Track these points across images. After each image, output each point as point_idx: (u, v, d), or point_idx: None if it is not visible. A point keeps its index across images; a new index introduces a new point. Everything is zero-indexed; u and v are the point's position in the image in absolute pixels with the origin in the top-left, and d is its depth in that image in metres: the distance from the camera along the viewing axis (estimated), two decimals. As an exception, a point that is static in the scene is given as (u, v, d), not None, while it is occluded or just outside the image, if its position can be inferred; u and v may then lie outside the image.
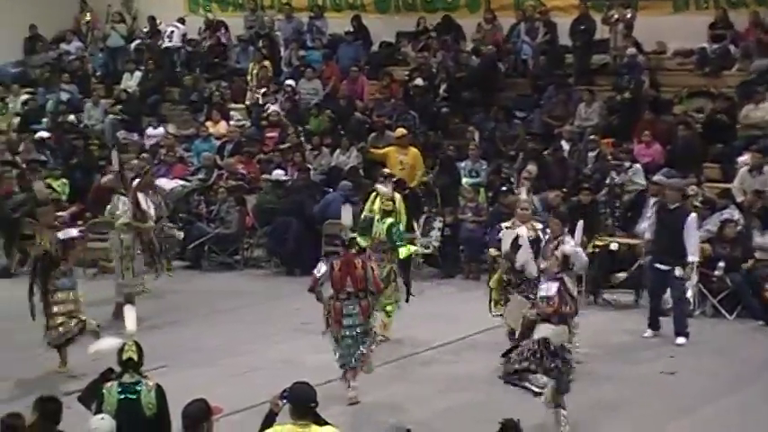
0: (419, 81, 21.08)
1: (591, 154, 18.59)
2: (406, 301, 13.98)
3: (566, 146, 18.96)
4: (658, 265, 14.09)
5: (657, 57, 20.83)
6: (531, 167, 17.93)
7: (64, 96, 23.79)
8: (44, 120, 22.92)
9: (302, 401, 7.10)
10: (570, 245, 10.67)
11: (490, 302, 13.05)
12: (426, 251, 17.73)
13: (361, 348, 11.64)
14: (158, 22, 24.93)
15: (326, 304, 11.69)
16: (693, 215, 14.08)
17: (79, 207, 17.53)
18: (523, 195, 13.72)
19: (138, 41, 25.02)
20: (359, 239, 12.64)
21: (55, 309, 12.51)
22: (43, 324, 12.59)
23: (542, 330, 10.37)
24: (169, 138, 21.04)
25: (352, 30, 23.31)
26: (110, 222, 15.20)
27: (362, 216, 14.18)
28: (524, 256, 12.38)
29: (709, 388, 12.20)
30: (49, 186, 18.06)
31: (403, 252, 14.09)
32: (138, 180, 15.41)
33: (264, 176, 19.36)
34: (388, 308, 13.76)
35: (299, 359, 12.61)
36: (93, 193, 18.44)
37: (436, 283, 17.38)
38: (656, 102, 19.51)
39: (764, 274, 15.15)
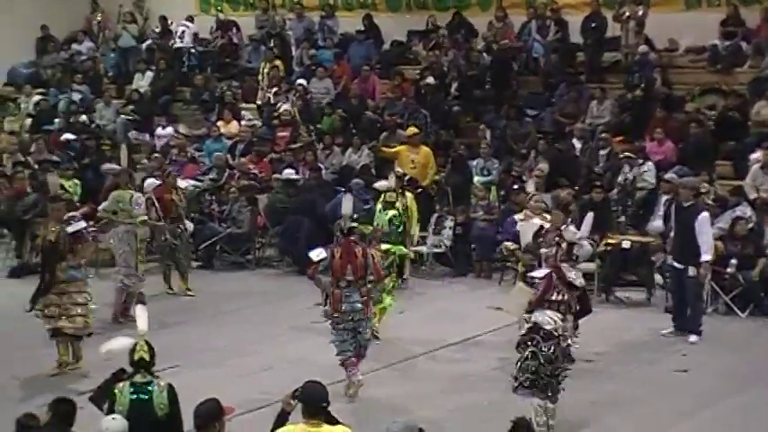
0: (430, 80, 21.06)
1: (602, 152, 18.56)
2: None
3: (577, 144, 18.95)
4: (675, 264, 14.08)
5: (669, 54, 20.78)
6: (543, 165, 17.96)
7: (76, 97, 23.82)
8: (56, 120, 22.94)
9: (314, 401, 7.09)
10: (571, 232, 10.64)
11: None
12: (437, 250, 17.76)
13: (360, 339, 11.63)
14: (170, 22, 24.95)
15: (326, 290, 11.72)
16: (705, 213, 13.97)
17: (91, 207, 17.53)
18: (531, 188, 13.71)
19: (149, 41, 25.04)
20: (360, 227, 12.59)
21: (55, 299, 12.53)
22: (36, 314, 12.63)
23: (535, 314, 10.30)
24: (179, 138, 21.05)
25: (363, 29, 23.32)
26: (111, 219, 15.31)
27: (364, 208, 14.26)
28: None
29: (721, 386, 12.16)
30: (61, 187, 18.09)
31: (401, 251, 14.17)
32: (158, 182, 15.63)
33: (276, 176, 19.37)
34: (387, 300, 13.79)
35: (310, 358, 12.58)
36: (104, 193, 18.42)
37: (448, 281, 17.37)
38: (667, 99, 19.47)
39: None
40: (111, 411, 7.80)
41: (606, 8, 20.98)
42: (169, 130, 21.91)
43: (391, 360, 13.00)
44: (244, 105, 22.75)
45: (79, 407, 8.08)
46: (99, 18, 26.08)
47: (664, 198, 16.01)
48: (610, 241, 16.04)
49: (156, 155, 20.26)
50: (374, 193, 16.34)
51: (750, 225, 15.63)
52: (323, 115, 21.42)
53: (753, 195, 16.59)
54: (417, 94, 21.14)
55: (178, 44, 24.52)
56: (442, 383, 12.28)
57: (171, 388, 8.04)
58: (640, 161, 17.55)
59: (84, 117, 22.98)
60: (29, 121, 23.51)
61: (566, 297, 10.32)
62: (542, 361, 10.13)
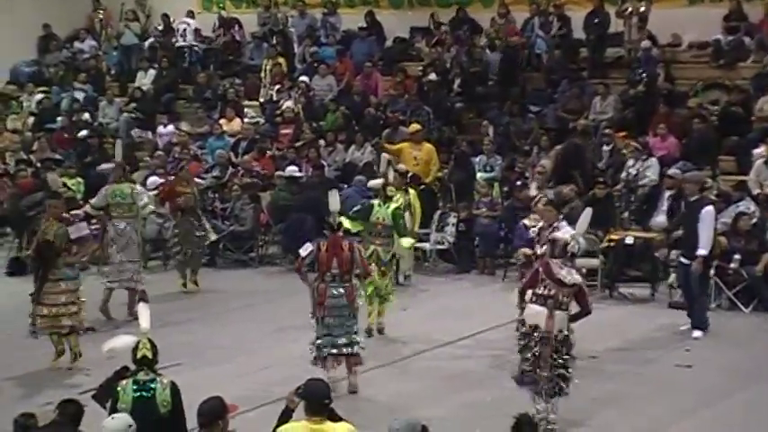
0: (433, 76, 21.05)
1: (605, 148, 18.53)
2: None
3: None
4: (682, 259, 14.05)
5: (672, 49, 20.77)
6: (545, 162, 17.93)
7: (78, 95, 23.86)
8: (59, 118, 22.97)
9: (317, 398, 7.09)
10: (563, 231, 10.63)
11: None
12: (440, 247, 17.76)
13: (345, 339, 11.57)
14: (172, 19, 24.95)
15: (311, 286, 11.71)
16: (709, 208, 13.82)
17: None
18: (533, 191, 13.67)
19: (151, 39, 25.05)
20: (347, 224, 12.56)
21: (47, 298, 12.52)
22: (29, 312, 12.63)
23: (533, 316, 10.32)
24: (181, 135, 21.04)
25: (365, 25, 23.32)
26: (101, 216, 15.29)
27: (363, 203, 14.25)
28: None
29: (724, 383, 12.13)
30: (64, 185, 18.11)
31: (405, 243, 14.13)
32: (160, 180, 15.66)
33: (278, 173, 19.36)
34: (390, 297, 13.75)
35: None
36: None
37: (451, 278, 17.37)
38: (670, 95, 19.46)
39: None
40: (113, 410, 7.77)
41: (609, 4, 21.00)
42: (171, 127, 21.92)
43: (394, 357, 12.99)
44: (246, 103, 22.76)
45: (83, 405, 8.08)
46: (101, 16, 26.09)
47: (667, 194, 15.98)
48: (613, 237, 16.03)
49: (159, 153, 20.28)
50: (375, 191, 16.32)
51: (753, 220, 15.60)
52: (326, 112, 21.43)
53: (756, 191, 16.58)
54: (420, 91, 21.14)
55: (180, 42, 24.53)
56: (445, 380, 12.26)
57: (174, 386, 8.00)
58: (644, 156, 17.53)
59: (86, 115, 23.01)
60: (31, 119, 23.56)
61: (552, 292, 10.26)
62: (541, 363, 10.18)
